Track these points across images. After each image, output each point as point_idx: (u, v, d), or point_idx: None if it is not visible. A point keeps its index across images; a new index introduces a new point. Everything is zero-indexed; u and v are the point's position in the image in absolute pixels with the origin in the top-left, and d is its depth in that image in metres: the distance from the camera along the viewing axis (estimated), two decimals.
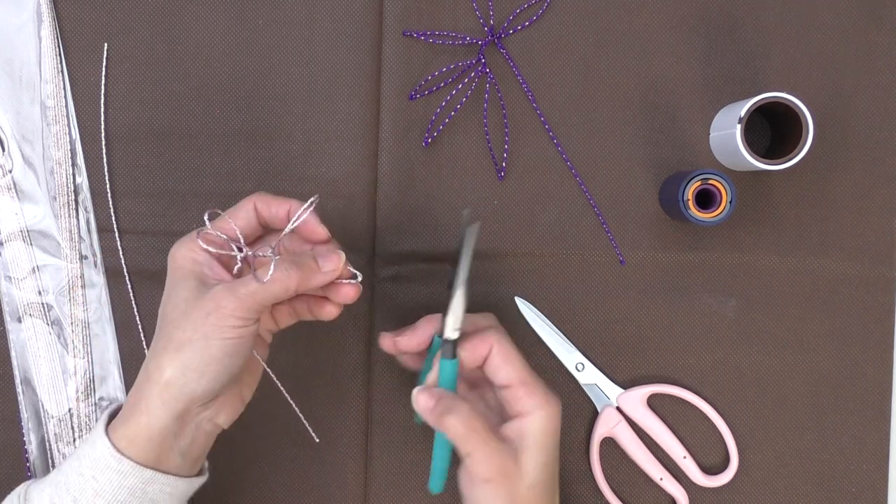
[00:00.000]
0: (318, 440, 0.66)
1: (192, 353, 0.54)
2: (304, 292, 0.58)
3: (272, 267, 0.54)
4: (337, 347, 0.72)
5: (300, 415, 0.64)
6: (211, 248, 0.57)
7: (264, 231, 0.61)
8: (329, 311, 0.60)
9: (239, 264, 0.58)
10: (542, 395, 0.57)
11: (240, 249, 0.57)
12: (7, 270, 0.71)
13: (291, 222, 0.58)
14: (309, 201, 0.58)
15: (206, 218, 0.57)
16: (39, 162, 0.71)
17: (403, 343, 0.61)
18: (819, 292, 0.72)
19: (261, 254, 0.57)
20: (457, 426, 0.56)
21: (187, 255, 0.57)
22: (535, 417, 0.57)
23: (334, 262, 0.57)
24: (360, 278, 0.59)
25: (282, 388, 0.63)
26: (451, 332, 0.58)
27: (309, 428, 0.65)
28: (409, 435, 0.72)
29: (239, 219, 0.58)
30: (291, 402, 0.64)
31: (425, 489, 0.72)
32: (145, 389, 0.55)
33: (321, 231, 0.59)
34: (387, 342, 0.62)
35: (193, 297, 0.55)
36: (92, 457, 0.55)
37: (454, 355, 0.58)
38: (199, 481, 0.59)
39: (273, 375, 0.62)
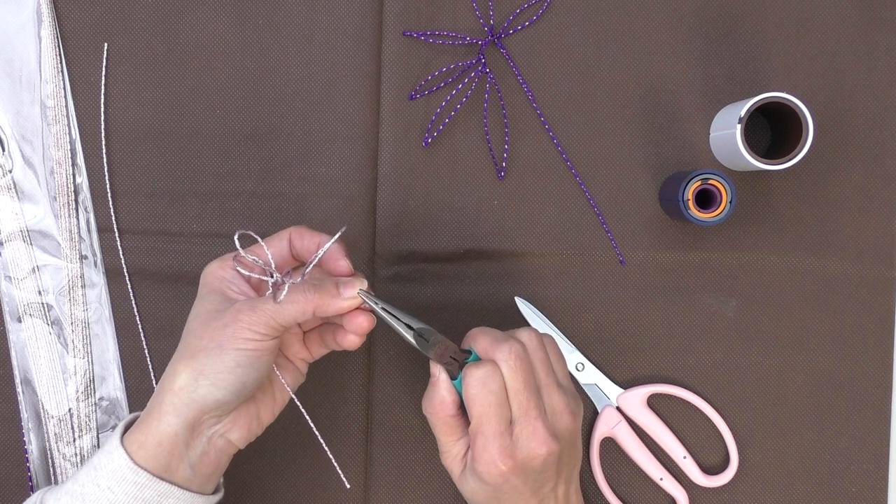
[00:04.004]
0: (348, 486, 0.66)
1: (205, 360, 0.55)
2: (325, 317, 0.59)
3: (286, 287, 0.56)
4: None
5: (331, 457, 0.64)
6: (243, 271, 0.58)
7: (295, 262, 0.62)
8: (350, 341, 0.60)
9: (270, 290, 0.59)
10: (478, 451, 0.57)
11: (271, 275, 0.59)
12: (7, 270, 0.71)
13: (317, 253, 0.59)
14: (336, 234, 0.58)
15: (235, 238, 0.58)
16: (39, 162, 0.71)
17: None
18: (819, 292, 0.72)
19: (290, 281, 0.58)
20: (427, 417, 0.60)
21: (216, 273, 0.59)
22: (471, 462, 0.58)
23: (355, 287, 0.58)
24: (377, 306, 0.59)
25: (313, 427, 0.63)
26: (437, 361, 0.59)
27: (341, 473, 0.65)
28: (409, 435, 0.72)
29: (272, 247, 0.60)
30: (323, 442, 0.64)
31: (425, 489, 0.72)
32: (159, 395, 0.56)
33: (344, 264, 0.59)
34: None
35: (215, 308, 0.57)
36: (108, 468, 0.55)
37: (455, 375, 0.59)
38: (214, 499, 0.59)
39: (301, 407, 0.62)
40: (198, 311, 0.58)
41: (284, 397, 0.62)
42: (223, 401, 0.55)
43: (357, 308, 0.58)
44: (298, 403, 0.61)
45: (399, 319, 0.59)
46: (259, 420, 0.60)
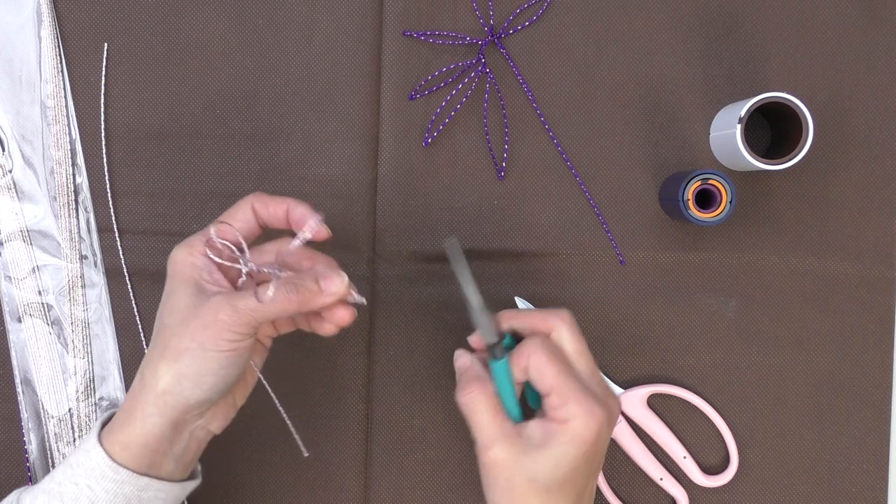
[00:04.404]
0: (307, 454, 0.66)
1: (189, 363, 0.54)
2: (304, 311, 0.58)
3: (271, 287, 0.54)
4: (337, 348, 0.72)
5: (292, 428, 0.65)
6: (215, 258, 0.57)
7: (263, 231, 0.60)
8: (327, 329, 0.60)
9: (244, 278, 0.58)
10: (576, 403, 0.55)
11: (245, 263, 0.57)
12: (7, 270, 0.71)
13: (297, 238, 0.57)
14: (312, 221, 0.57)
15: (212, 232, 0.57)
16: (39, 162, 0.71)
17: (474, 339, 0.61)
18: (819, 292, 0.72)
19: (266, 269, 0.57)
20: (463, 404, 0.57)
21: (186, 260, 0.57)
22: (561, 424, 0.55)
23: (336, 285, 0.57)
24: (363, 303, 0.59)
25: (276, 401, 0.63)
26: (488, 338, 0.58)
27: (299, 441, 0.65)
28: (409, 437, 0.72)
29: (237, 221, 0.58)
30: (284, 414, 0.64)
31: (425, 489, 0.72)
32: (141, 396, 0.55)
33: (324, 231, 0.58)
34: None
35: (192, 304, 0.55)
36: (86, 466, 0.55)
37: (501, 356, 0.58)
38: (191, 485, 0.59)
39: (268, 386, 0.62)
40: (173, 306, 0.56)
41: (255, 377, 0.62)
42: (206, 399, 0.55)
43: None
44: (267, 386, 0.61)
45: (471, 282, 0.57)
46: (234, 405, 0.60)
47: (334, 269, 0.58)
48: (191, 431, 0.57)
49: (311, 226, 0.57)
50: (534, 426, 0.56)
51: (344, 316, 0.59)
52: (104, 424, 0.57)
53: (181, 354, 0.54)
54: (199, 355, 0.54)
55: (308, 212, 0.58)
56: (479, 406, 0.56)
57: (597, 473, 0.58)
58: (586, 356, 0.58)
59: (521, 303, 0.71)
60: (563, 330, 0.58)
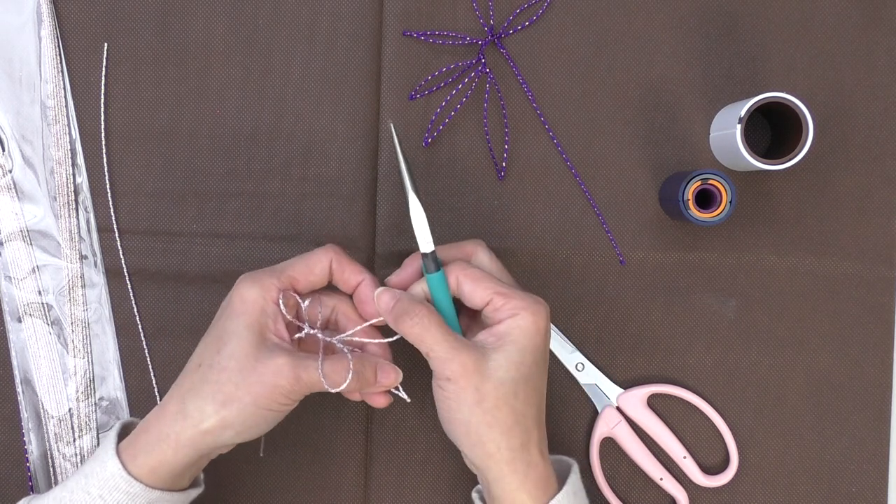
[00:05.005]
0: (262, 455, 0.68)
1: (237, 414, 0.55)
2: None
3: (346, 382, 0.57)
4: None
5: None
6: (287, 315, 0.58)
7: (328, 282, 0.61)
8: (355, 398, 0.63)
9: (302, 335, 0.60)
10: (520, 299, 0.57)
11: (309, 325, 0.60)
12: (7, 270, 0.71)
13: (362, 326, 0.60)
14: (378, 318, 0.60)
15: (304, 304, 0.59)
16: (39, 162, 0.71)
17: (393, 280, 0.61)
18: (819, 292, 0.72)
19: (329, 340, 0.59)
20: (413, 328, 0.56)
21: (257, 302, 0.57)
22: (510, 319, 0.56)
23: (390, 380, 0.60)
24: (407, 400, 0.62)
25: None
26: (423, 247, 0.58)
27: (262, 442, 0.67)
28: (409, 435, 0.72)
29: (315, 275, 0.59)
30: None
31: (425, 489, 0.72)
32: (177, 426, 0.56)
33: (377, 319, 0.60)
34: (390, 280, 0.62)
35: (254, 354, 0.56)
36: (101, 476, 0.56)
37: (437, 268, 0.58)
38: (195, 492, 0.61)
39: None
40: (234, 349, 0.56)
41: None
42: (242, 442, 0.58)
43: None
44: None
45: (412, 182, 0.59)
46: None
47: (391, 364, 0.61)
48: (209, 455, 0.59)
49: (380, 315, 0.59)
50: (482, 335, 0.57)
51: (381, 402, 0.62)
52: (120, 435, 0.58)
53: (232, 402, 0.55)
54: (251, 410, 0.55)
55: (372, 291, 0.60)
56: (429, 326, 0.56)
57: (546, 374, 0.59)
58: (508, 273, 0.60)
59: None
60: (480, 253, 0.60)
